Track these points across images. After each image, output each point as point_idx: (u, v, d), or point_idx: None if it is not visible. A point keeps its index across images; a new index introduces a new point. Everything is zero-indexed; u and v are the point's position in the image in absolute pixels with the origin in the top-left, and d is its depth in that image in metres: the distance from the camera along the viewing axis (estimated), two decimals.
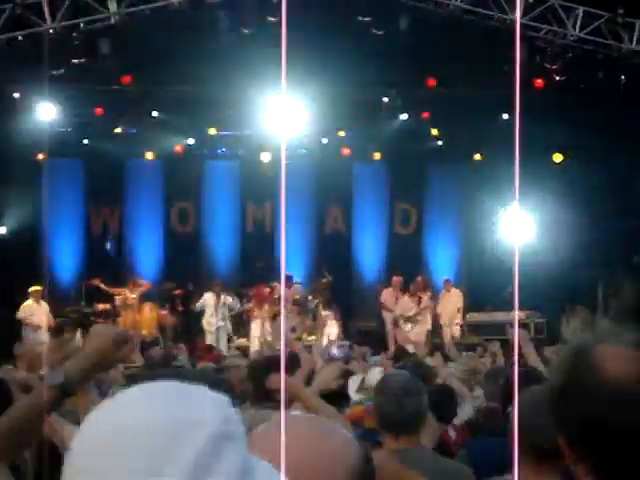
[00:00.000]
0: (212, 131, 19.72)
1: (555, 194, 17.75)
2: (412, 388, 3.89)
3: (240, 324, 17.93)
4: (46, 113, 17.96)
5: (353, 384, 6.52)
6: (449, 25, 15.61)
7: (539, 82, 17.37)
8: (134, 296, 17.34)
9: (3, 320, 15.88)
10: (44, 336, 15.52)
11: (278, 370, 5.49)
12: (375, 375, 6.41)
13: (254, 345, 16.53)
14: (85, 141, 19.27)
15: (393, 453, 3.63)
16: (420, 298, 17.38)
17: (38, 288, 16.01)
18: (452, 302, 17.88)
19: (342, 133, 19.90)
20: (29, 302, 16.04)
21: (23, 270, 17.29)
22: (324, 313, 17.39)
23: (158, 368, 6.70)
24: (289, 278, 18.41)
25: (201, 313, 17.30)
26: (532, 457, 2.80)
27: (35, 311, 15.94)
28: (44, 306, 16.05)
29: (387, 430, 3.84)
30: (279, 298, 17.66)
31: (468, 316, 17.49)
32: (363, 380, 6.62)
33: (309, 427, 1.42)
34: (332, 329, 16.90)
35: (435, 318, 17.93)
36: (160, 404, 1.04)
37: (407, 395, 3.81)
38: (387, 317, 17.89)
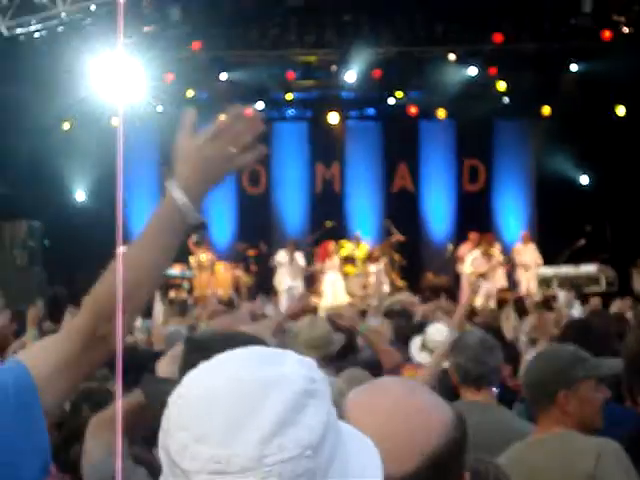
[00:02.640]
0: (280, 94, 19.96)
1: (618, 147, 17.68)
2: (489, 343, 4.10)
3: (312, 283, 18.25)
4: (119, 80, 18.38)
5: (414, 343, 6.56)
6: None
7: (607, 34, 17.19)
8: (208, 257, 17.75)
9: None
10: None
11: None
12: (437, 332, 6.41)
13: (326, 301, 16.82)
14: (158, 107, 19.66)
15: (474, 405, 3.90)
16: (490, 255, 17.43)
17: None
18: (529, 255, 17.84)
19: (408, 91, 19.92)
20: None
21: (104, 234, 17.81)
22: (375, 269, 17.56)
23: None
24: (357, 237, 18.67)
25: (274, 272, 17.63)
26: None
27: None
28: None
29: (467, 385, 4.04)
30: (349, 257, 17.96)
31: (540, 270, 17.49)
32: (424, 339, 6.57)
33: (398, 394, 1.45)
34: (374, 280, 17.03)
35: (512, 271, 17.93)
36: (250, 364, 1.13)
37: (486, 350, 4.04)
38: (464, 273, 17.95)
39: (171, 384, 1.31)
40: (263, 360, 1.15)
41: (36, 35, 15.68)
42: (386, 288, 16.51)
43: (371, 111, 20.83)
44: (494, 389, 4.10)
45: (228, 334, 2.84)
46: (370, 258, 17.91)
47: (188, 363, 2.45)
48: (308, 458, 1.07)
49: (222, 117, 1.87)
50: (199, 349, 2.50)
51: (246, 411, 1.08)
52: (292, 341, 4.95)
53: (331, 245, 17.81)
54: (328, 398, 1.14)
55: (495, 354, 4.09)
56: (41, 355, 1.78)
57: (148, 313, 15.93)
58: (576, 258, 16.88)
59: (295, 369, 1.13)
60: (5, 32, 15.24)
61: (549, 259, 17.46)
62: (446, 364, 4.71)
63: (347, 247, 18.36)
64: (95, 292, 1.81)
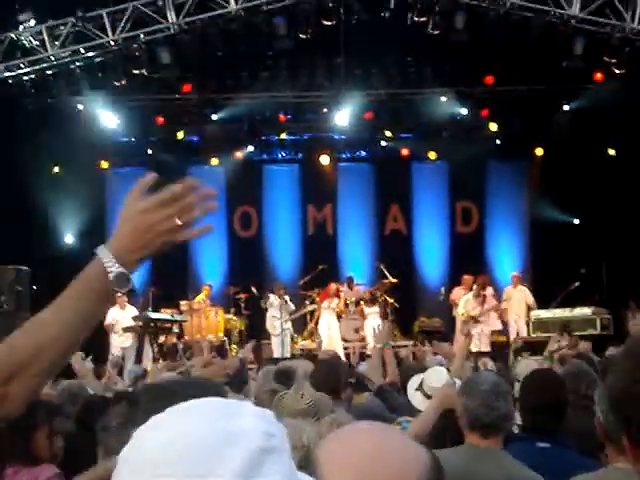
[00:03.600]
0: (271, 136, 19.94)
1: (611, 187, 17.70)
2: (502, 389, 3.91)
3: (303, 326, 18.06)
4: (109, 123, 18.37)
5: (412, 383, 6.45)
6: (505, 22, 15.55)
7: (599, 76, 17.24)
8: (200, 301, 17.57)
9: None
10: (129, 341, 15.89)
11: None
12: (436, 375, 6.32)
13: (322, 342, 16.60)
14: (148, 150, 19.60)
15: (478, 451, 3.73)
16: (484, 297, 17.28)
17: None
18: (520, 298, 17.71)
19: (400, 133, 19.92)
20: (114, 308, 16.12)
21: None
22: (367, 310, 17.44)
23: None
24: (350, 279, 18.50)
25: (264, 316, 17.42)
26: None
27: (120, 316, 16.09)
28: (130, 311, 16.21)
29: (474, 431, 3.86)
30: (344, 300, 17.78)
31: (533, 313, 17.35)
32: (422, 380, 6.52)
33: (374, 437, 1.41)
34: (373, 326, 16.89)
35: (502, 314, 17.79)
36: (207, 417, 1.10)
37: (498, 397, 3.85)
38: (458, 316, 17.79)
39: None
40: (220, 413, 1.11)
41: (25, 78, 15.57)
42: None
43: (363, 153, 20.79)
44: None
45: (186, 381, 2.69)
46: (367, 301, 17.71)
47: (147, 411, 2.28)
48: None
49: (176, 186, 1.78)
50: (158, 396, 2.39)
51: (202, 467, 1.04)
52: (277, 410, 4.73)
53: (334, 287, 17.62)
54: (287, 453, 1.11)
55: (507, 399, 3.91)
56: None
57: (138, 359, 15.82)
58: (571, 301, 16.75)
59: (253, 424, 1.10)
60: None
61: (543, 301, 17.33)
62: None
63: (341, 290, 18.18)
64: (6, 342, 1.72)
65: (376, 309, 17.53)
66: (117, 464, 1.10)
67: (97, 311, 1.78)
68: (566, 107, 18.50)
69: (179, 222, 1.76)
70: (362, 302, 17.91)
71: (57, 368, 1.76)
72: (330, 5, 15.67)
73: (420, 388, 6.37)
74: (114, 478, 1.09)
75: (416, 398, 6.10)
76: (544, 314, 16.98)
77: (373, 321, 17.14)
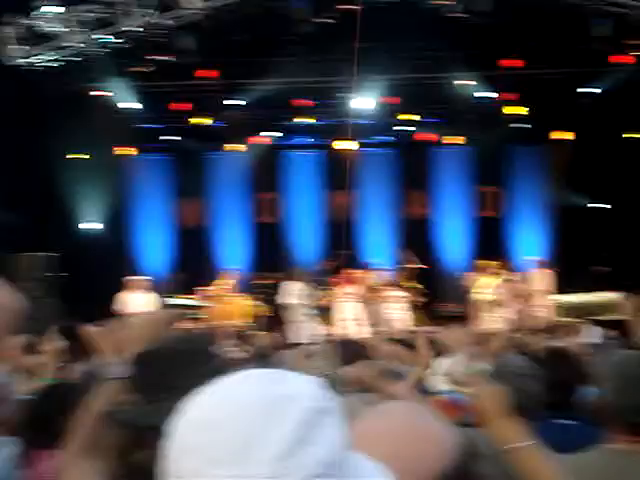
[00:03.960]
0: (292, 122, 19.88)
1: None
2: (531, 371, 3.90)
3: (327, 312, 18.01)
4: (130, 109, 18.38)
5: (434, 371, 6.39)
6: (527, 4, 15.39)
7: (624, 58, 17.05)
8: (226, 287, 17.56)
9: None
10: None
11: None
12: (458, 361, 6.24)
13: (344, 328, 16.58)
14: (170, 136, 19.62)
15: None
16: (510, 282, 17.19)
17: (133, 278, 16.28)
18: (544, 283, 17.60)
19: (423, 118, 19.81)
20: (126, 293, 16.17)
21: (116, 264, 17.76)
22: (392, 294, 17.36)
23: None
24: (371, 265, 18.43)
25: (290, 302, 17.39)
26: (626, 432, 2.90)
27: (130, 301, 16.13)
28: (144, 297, 16.21)
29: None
30: (366, 286, 17.71)
31: (558, 297, 17.24)
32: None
33: (407, 416, 1.43)
34: (397, 309, 16.87)
35: (526, 299, 17.70)
36: (258, 384, 1.11)
37: (529, 378, 3.85)
38: (478, 301, 17.69)
39: None
40: (272, 379, 1.13)
41: (45, 65, 15.58)
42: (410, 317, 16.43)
43: (385, 138, 20.68)
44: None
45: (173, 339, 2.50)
46: (398, 285, 17.61)
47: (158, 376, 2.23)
48: (328, 477, 1.05)
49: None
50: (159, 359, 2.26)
51: (260, 429, 1.05)
52: None
53: (357, 273, 17.55)
54: (341, 416, 1.13)
55: (535, 382, 3.87)
56: None
57: None
58: (596, 285, 16.61)
59: (307, 387, 1.12)
60: (22, 63, 15.18)
61: (568, 286, 17.20)
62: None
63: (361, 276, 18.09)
64: None
65: (401, 293, 17.43)
66: (168, 433, 1.11)
67: None
68: (593, 90, 18.27)
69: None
70: (387, 287, 17.84)
71: None
72: None
73: (446, 375, 6.31)
74: (166, 452, 1.10)
75: (440, 382, 6.06)
76: (572, 299, 16.85)
77: (396, 305, 17.13)
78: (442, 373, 6.26)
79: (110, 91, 17.88)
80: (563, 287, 17.33)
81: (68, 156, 17.95)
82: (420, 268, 18.06)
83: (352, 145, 20.03)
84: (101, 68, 16.14)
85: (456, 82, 18.54)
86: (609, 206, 19.28)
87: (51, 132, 16.56)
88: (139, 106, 18.52)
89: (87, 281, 16.89)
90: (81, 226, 18.59)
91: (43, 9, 15.07)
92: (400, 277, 17.92)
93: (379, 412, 1.44)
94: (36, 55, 15.42)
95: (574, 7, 15.36)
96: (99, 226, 18.86)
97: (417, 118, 19.66)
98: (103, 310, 16.70)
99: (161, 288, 17.99)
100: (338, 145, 20.04)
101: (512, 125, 19.34)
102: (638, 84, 16.82)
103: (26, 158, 15.73)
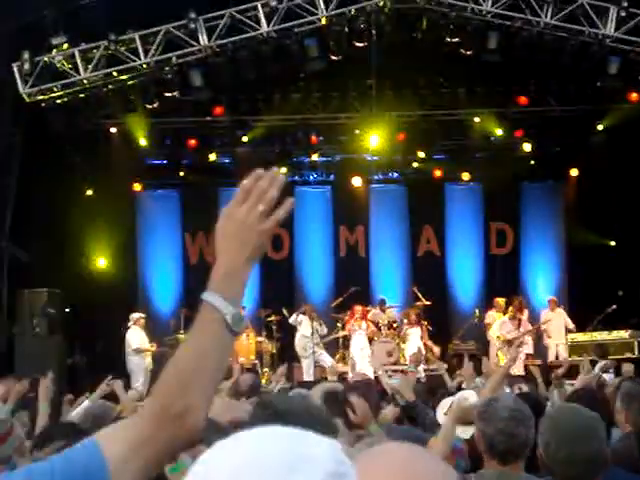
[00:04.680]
0: (303, 158, 19.90)
1: None
2: (522, 416, 3.78)
3: (335, 349, 17.91)
4: (141, 145, 18.45)
5: (441, 408, 6.34)
6: (538, 42, 15.43)
7: (634, 95, 17.04)
8: None
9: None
10: (148, 361, 15.78)
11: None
12: (467, 399, 6.21)
13: (355, 366, 16.52)
14: (180, 172, 19.65)
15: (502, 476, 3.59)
16: (520, 321, 17.07)
17: (141, 315, 16.26)
18: (557, 322, 17.46)
19: (433, 154, 19.81)
20: (133, 329, 16.12)
21: (123, 299, 17.73)
22: (409, 331, 17.33)
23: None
24: (383, 301, 18.34)
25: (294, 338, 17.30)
26: None
27: (139, 337, 16.08)
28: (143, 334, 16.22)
29: (493, 457, 3.75)
30: (376, 323, 17.62)
31: (570, 336, 17.10)
32: (452, 404, 6.41)
33: (404, 456, 1.39)
34: (414, 347, 16.84)
35: (539, 338, 17.58)
36: (276, 441, 1.11)
37: (518, 424, 3.72)
38: (492, 339, 17.60)
39: None
40: (291, 438, 1.12)
41: (58, 101, 15.65)
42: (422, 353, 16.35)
43: (395, 174, 20.68)
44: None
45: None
46: (409, 322, 17.52)
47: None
48: None
49: (244, 181, 1.90)
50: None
51: None
52: None
53: (361, 309, 17.47)
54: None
55: (527, 426, 3.75)
56: (118, 434, 1.75)
57: None
58: (608, 323, 16.48)
59: (324, 449, 1.11)
60: (26, 98, 15.25)
61: (580, 325, 17.07)
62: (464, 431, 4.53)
63: (372, 313, 18.01)
64: (164, 371, 1.80)
65: (418, 331, 17.36)
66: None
67: (225, 346, 1.85)
68: (600, 127, 18.25)
69: (263, 207, 1.86)
70: (395, 324, 17.77)
71: (218, 379, 1.86)
72: (361, 27, 15.64)
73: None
74: None
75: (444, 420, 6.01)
76: (581, 337, 16.72)
77: (413, 343, 17.06)
78: (444, 411, 6.24)
79: (121, 127, 17.96)
80: (576, 325, 17.21)
81: (77, 191, 17.97)
82: (425, 305, 17.99)
83: (361, 181, 20.02)
84: (112, 105, 16.20)
85: (466, 119, 18.55)
86: (613, 243, 19.17)
87: (60, 167, 16.62)
88: (150, 142, 18.58)
89: (92, 317, 16.88)
90: (88, 262, 18.54)
91: (57, 46, 15.17)
92: (410, 314, 17.83)
93: (378, 453, 1.39)
94: (49, 91, 15.49)
95: (586, 45, 15.37)
96: (105, 262, 18.82)
97: (427, 155, 19.63)
98: (107, 348, 16.74)
99: (168, 324, 17.95)
100: (347, 181, 20.03)
101: (522, 162, 19.32)
102: None
103: (34, 193, 15.77)
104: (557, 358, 16.71)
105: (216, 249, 1.89)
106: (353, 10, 15.44)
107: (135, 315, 16.17)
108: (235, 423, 2.69)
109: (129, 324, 16.01)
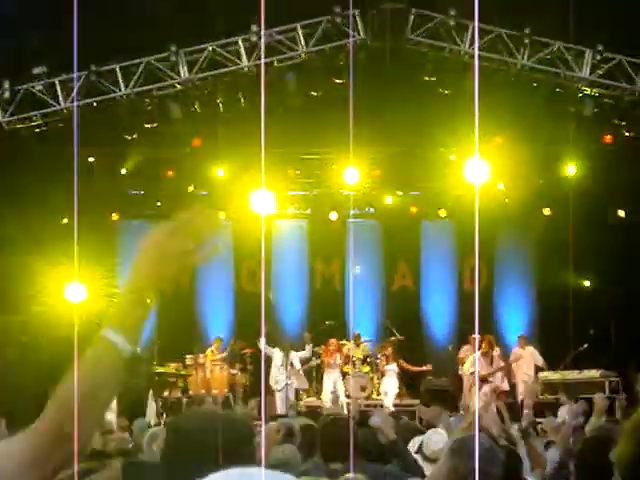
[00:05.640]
0: (280, 191, 19.95)
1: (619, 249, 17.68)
2: (493, 452, 3.84)
3: (309, 382, 17.91)
4: (120, 175, 18.47)
5: (412, 445, 6.35)
6: (514, 82, 15.67)
7: (608, 137, 17.29)
8: (209, 354, 17.47)
9: None
10: None
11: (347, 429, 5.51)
12: (437, 438, 6.22)
13: (326, 399, 16.57)
14: (158, 203, 19.65)
15: None
16: (492, 357, 17.15)
17: None
18: (529, 359, 17.56)
19: (409, 190, 19.94)
20: None
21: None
22: (386, 367, 17.41)
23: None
24: (357, 336, 18.38)
25: (269, 372, 17.29)
26: None
27: None
28: None
29: None
30: (348, 356, 17.66)
31: (542, 375, 17.18)
32: (421, 443, 6.41)
33: None
34: (391, 385, 16.93)
35: (510, 375, 17.64)
36: None
37: (488, 462, 3.76)
38: (465, 375, 17.64)
39: None
40: None
41: (37, 130, 15.69)
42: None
43: (371, 209, 20.79)
44: None
45: (209, 416, 2.71)
46: (386, 358, 17.58)
47: (169, 447, 2.59)
48: None
49: (180, 214, 1.88)
50: (180, 432, 2.57)
51: None
52: None
53: (335, 342, 17.53)
54: None
55: (497, 465, 3.80)
56: (6, 451, 1.73)
57: (142, 412, 15.67)
58: (579, 362, 16.59)
59: None
60: (5, 126, 15.28)
61: (552, 363, 17.17)
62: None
63: (347, 347, 18.05)
64: (58, 391, 1.76)
65: (394, 367, 17.42)
66: None
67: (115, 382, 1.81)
68: (573, 169, 18.39)
69: (192, 245, 1.83)
70: (369, 359, 17.83)
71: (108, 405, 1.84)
72: (340, 63, 15.82)
73: (420, 451, 6.27)
74: None
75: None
76: (552, 376, 16.80)
77: (390, 379, 17.14)
78: (414, 450, 6.24)
79: (99, 157, 17.98)
80: (548, 362, 17.30)
81: (54, 220, 17.91)
82: (399, 340, 18.04)
83: (337, 215, 20.11)
84: (91, 134, 16.24)
85: (442, 156, 18.71)
86: (587, 283, 19.36)
87: (37, 196, 16.59)
88: (128, 173, 18.61)
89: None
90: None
91: (36, 76, 15.23)
92: (384, 348, 17.90)
93: None
94: (28, 120, 15.53)
95: (561, 87, 15.63)
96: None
97: (403, 191, 19.78)
98: None
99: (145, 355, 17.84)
100: (324, 215, 20.11)
101: (496, 200, 19.46)
102: (622, 163, 17.05)
103: (10, 221, 15.73)
104: (525, 396, 16.76)
105: (131, 267, 1.85)
106: (331, 47, 15.64)
107: None
108: None
109: None
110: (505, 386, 17.14)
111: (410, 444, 6.43)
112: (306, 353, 17.52)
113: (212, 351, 17.67)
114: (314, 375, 17.92)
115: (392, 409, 15.25)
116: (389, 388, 17.26)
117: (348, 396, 17.13)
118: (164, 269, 1.82)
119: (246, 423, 2.74)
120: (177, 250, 1.81)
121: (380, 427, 6.42)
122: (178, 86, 15.45)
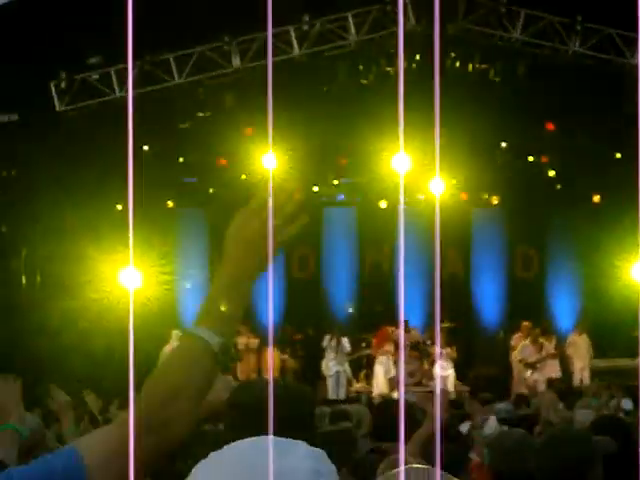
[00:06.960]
0: (331, 179, 20.07)
1: None
2: (528, 447, 3.91)
3: (360, 369, 18.04)
4: (174, 163, 18.72)
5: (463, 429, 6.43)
6: (566, 70, 15.59)
7: None
8: (257, 340, 17.65)
9: None
10: None
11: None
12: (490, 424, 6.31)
13: (379, 386, 16.68)
14: (210, 190, 19.87)
15: None
16: (542, 345, 17.11)
17: None
18: (585, 346, 17.48)
19: (460, 178, 19.91)
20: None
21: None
22: (435, 354, 17.46)
23: None
24: (405, 323, 18.44)
25: (319, 358, 17.47)
26: None
27: None
28: None
29: None
30: (397, 343, 17.75)
31: (594, 362, 17.11)
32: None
33: None
34: (443, 371, 16.99)
35: (566, 363, 17.55)
36: (265, 454, 1.19)
37: (523, 455, 3.84)
38: (514, 362, 17.63)
39: None
40: (279, 450, 1.19)
41: (92, 119, 15.99)
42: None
43: (422, 197, 20.76)
44: None
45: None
46: (433, 344, 17.66)
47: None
48: None
49: (259, 193, 1.87)
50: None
51: None
52: None
53: (388, 330, 17.63)
54: None
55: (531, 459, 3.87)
56: (96, 440, 1.76)
57: None
58: (631, 350, 16.48)
59: (303, 462, 1.18)
60: (62, 115, 15.58)
61: (602, 350, 17.08)
62: None
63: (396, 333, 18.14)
64: (149, 379, 1.78)
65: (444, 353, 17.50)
66: None
67: (208, 378, 1.83)
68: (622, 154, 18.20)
69: (277, 221, 1.81)
70: (419, 345, 17.90)
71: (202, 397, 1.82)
72: (391, 51, 15.87)
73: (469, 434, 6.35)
74: None
75: None
76: (603, 363, 16.73)
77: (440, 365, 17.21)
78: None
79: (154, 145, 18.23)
80: (599, 351, 17.22)
81: (109, 207, 18.22)
82: (453, 327, 18.07)
83: (387, 204, 20.15)
84: (145, 123, 16.49)
85: (492, 144, 18.67)
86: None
87: (93, 183, 16.89)
88: (182, 161, 18.85)
89: None
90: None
91: (94, 65, 15.51)
92: (427, 337, 17.97)
93: None
94: (85, 109, 15.82)
95: (613, 73, 15.50)
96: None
97: (453, 178, 19.76)
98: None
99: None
100: (374, 203, 20.18)
101: (548, 187, 19.39)
102: None
103: (67, 209, 16.01)
104: (582, 383, 16.72)
105: (224, 255, 1.87)
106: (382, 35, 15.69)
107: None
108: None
109: None
110: (557, 373, 17.08)
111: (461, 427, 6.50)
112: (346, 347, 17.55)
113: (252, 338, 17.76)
114: (364, 361, 18.03)
115: (451, 392, 15.33)
116: (440, 374, 17.28)
117: (398, 382, 17.22)
118: (258, 251, 1.83)
119: (310, 394, 2.84)
120: (265, 230, 1.78)
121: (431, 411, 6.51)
122: (230, 75, 15.60)
